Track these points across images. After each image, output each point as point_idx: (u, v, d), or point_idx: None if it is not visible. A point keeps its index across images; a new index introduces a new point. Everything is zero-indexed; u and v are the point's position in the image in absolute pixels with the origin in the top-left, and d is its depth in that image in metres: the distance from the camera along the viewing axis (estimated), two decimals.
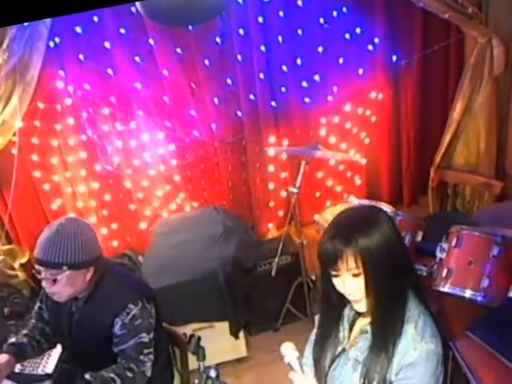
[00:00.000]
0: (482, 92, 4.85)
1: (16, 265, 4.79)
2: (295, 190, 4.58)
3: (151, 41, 4.72)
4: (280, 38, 4.92)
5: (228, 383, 2.65)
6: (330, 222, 2.31)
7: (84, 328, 3.10)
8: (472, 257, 3.61)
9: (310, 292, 5.00)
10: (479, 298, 3.53)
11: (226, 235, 4.85)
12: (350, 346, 2.39)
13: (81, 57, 4.69)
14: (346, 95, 5.26)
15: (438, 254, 3.82)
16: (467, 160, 5.15)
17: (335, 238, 2.17)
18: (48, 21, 4.24)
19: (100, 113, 4.89)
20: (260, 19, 4.83)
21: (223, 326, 4.63)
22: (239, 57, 4.90)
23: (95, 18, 4.61)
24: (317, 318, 2.63)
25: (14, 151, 4.59)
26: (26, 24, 4.13)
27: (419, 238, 4.12)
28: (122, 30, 4.66)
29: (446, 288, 3.63)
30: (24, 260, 4.83)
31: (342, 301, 2.35)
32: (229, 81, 5.02)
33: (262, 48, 4.91)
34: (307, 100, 5.19)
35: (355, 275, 2.18)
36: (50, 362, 3.49)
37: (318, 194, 5.61)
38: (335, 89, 5.22)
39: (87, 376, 2.94)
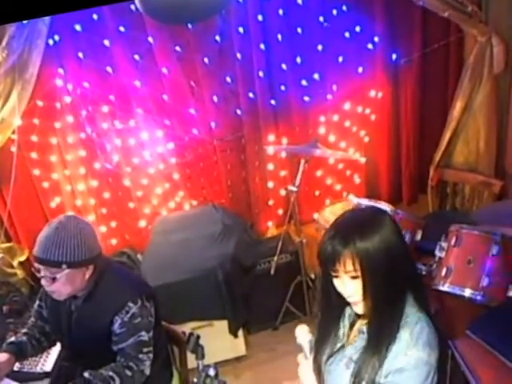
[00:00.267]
0: (482, 91, 4.85)
1: (15, 263, 4.79)
2: (294, 189, 4.58)
3: (150, 39, 4.71)
4: (279, 37, 4.91)
5: (227, 382, 2.64)
6: (332, 222, 2.31)
7: (83, 326, 3.09)
8: (471, 256, 3.60)
9: (309, 291, 5.01)
10: (478, 297, 3.52)
11: (225, 234, 4.84)
12: (348, 344, 2.40)
13: (80, 55, 4.68)
14: (346, 94, 5.25)
15: (438, 253, 3.82)
16: (467, 159, 5.15)
17: (335, 238, 2.17)
18: (47, 19, 4.23)
19: (99, 111, 4.88)
20: (260, 17, 4.82)
21: (222, 325, 4.63)
22: (239, 55, 4.89)
23: (94, 16, 4.60)
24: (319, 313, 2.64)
25: (13, 149, 4.58)
26: (25, 22, 4.12)
27: (418, 236, 4.11)
28: (122, 28, 4.65)
29: (445, 287, 3.63)
30: (23, 258, 4.83)
31: (343, 300, 2.34)
32: (228, 79, 5.01)
33: (262, 46, 4.90)
34: (307, 98, 5.18)
35: (353, 277, 2.18)
36: (48, 360, 3.49)
37: (317, 193, 5.60)
38: (335, 87, 5.21)
39: (86, 374, 2.95)
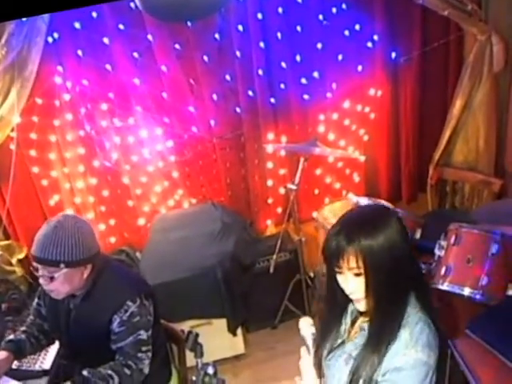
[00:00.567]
0: (482, 89, 4.84)
1: (14, 260, 4.78)
2: (294, 187, 4.58)
3: (150, 37, 4.70)
4: (279, 35, 4.90)
5: (226, 380, 2.64)
6: (338, 219, 2.31)
7: (81, 325, 3.09)
8: (471, 255, 3.60)
9: (308, 289, 5.00)
10: (478, 296, 3.52)
11: (224, 232, 4.84)
12: (349, 340, 2.41)
13: (79, 52, 4.67)
14: (345, 92, 5.24)
15: (437, 252, 3.82)
16: (466, 157, 5.15)
17: (339, 235, 2.18)
18: (46, 16, 4.23)
19: (98, 108, 4.87)
20: (259, 15, 4.81)
21: (221, 323, 4.63)
22: (238, 53, 4.89)
23: (94, 14, 4.59)
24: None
25: (12, 147, 4.57)
26: (24, 19, 4.12)
27: (418, 235, 4.11)
28: (121, 26, 4.64)
29: (444, 286, 3.62)
30: (22, 256, 4.82)
31: (347, 297, 2.35)
32: (227, 77, 5.00)
33: (261, 44, 4.89)
34: (306, 97, 5.17)
35: (357, 274, 2.19)
36: (47, 358, 3.49)
37: (316, 191, 5.59)
38: (334, 85, 5.20)
39: (85, 372, 2.95)
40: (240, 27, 4.82)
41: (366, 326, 2.34)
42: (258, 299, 5.01)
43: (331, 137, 5.35)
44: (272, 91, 5.11)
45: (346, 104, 5.29)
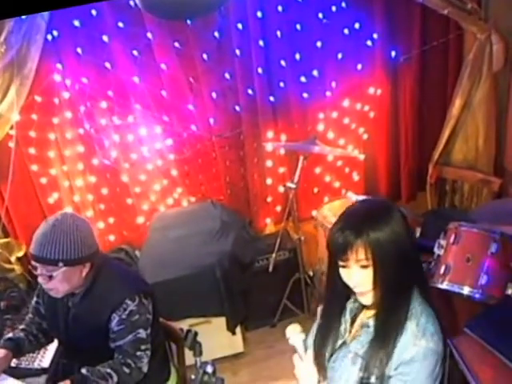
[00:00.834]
0: (481, 88, 4.84)
1: (13, 258, 4.78)
2: (293, 186, 4.58)
3: (149, 35, 4.70)
4: (279, 33, 4.89)
5: (225, 379, 2.64)
6: (342, 213, 2.33)
7: (80, 323, 3.10)
8: (470, 254, 3.60)
9: (307, 288, 5.01)
10: (477, 295, 3.52)
11: (223, 230, 4.84)
12: (352, 339, 2.41)
13: (79, 50, 4.67)
14: (345, 90, 5.24)
15: (436, 251, 3.81)
16: (466, 156, 5.15)
17: (346, 228, 2.19)
18: (46, 14, 4.22)
19: (98, 106, 4.87)
20: (259, 14, 4.81)
21: (220, 322, 4.63)
22: (238, 51, 4.88)
23: (93, 12, 4.58)
24: (319, 309, 2.64)
25: (11, 144, 4.57)
26: (23, 17, 4.11)
27: (417, 234, 4.11)
28: (121, 24, 4.64)
29: (443, 285, 3.62)
30: (21, 254, 4.82)
31: (347, 293, 2.38)
32: (227, 75, 5.00)
33: (261, 43, 4.89)
34: (305, 95, 5.16)
35: (363, 267, 2.20)
36: (46, 356, 3.48)
37: (315, 190, 5.58)
38: (334, 84, 5.19)
39: (84, 371, 2.95)
40: (240, 25, 4.81)
41: (369, 322, 2.34)
42: (257, 298, 5.01)
43: (331, 135, 5.34)
44: (271, 89, 5.10)
45: (346, 102, 5.28)
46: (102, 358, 3.04)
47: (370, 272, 2.20)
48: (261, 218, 5.59)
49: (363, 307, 2.42)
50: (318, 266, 5.01)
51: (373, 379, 2.24)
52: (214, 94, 5.01)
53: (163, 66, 4.82)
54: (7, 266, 4.73)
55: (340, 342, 2.43)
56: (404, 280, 2.25)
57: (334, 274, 2.34)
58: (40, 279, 2.97)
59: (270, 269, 4.71)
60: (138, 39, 4.70)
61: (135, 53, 4.75)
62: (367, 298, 2.29)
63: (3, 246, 4.77)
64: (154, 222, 5.15)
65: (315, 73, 5.09)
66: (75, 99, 4.83)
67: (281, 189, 5.46)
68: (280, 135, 5.26)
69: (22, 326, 3.30)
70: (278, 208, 5.54)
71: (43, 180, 4.96)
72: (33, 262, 2.94)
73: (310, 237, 5.13)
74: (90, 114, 4.89)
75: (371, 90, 5.29)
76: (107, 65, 4.75)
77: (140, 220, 5.36)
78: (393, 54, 5.14)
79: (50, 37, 4.53)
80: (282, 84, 5.08)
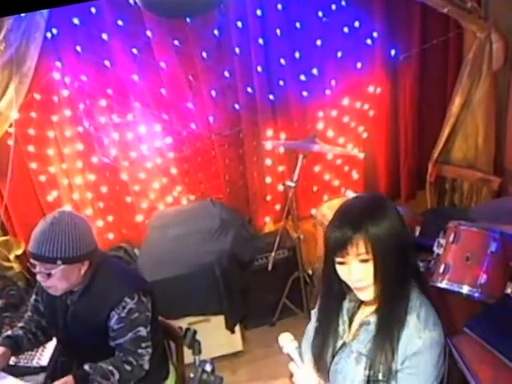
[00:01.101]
0: (481, 87, 4.84)
1: (11, 256, 4.79)
2: (292, 184, 4.57)
3: (149, 33, 4.69)
4: (278, 31, 4.89)
5: (223, 377, 2.64)
6: (338, 209, 2.33)
7: (79, 321, 3.10)
8: (469, 253, 3.60)
9: (306, 287, 5.00)
10: (476, 294, 3.52)
11: (222, 229, 4.84)
12: (352, 339, 2.40)
13: (78, 48, 4.66)
14: (344, 89, 5.23)
15: (436, 250, 3.82)
16: (465, 155, 5.15)
17: (345, 223, 2.19)
18: (45, 12, 4.22)
19: (97, 104, 4.87)
20: (258, 12, 4.80)
21: (219, 320, 4.63)
22: (237, 50, 4.88)
23: (93, 10, 4.58)
24: (313, 312, 2.63)
25: (10, 142, 4.58)
26: (23, 15, 4.11)
27: (417, 233, 4.12)
28: (120, 22, 4.64)
29: (443, 284, 3.62)
30: (19, 252, 4.83)
31: (343, 291, 2.37)
32: (226, 73, 4.99)
33: (260, 41, 4.88)
34: (305, 93, 5.16)
35: (363, 261, 2.19)
36: (44, 354, 3.48)
37: (315, 189, 5.58)
38: (333, 82, 5.19)
39: (86, 367, 2.96)
40: (239, 24, 4.81)
41: (369, 319, 2.33)
42: (257, 296, 5.01)
43: (330, 134, 5.34)
44: (271, 88, 5.10)
45: (345, 101, 5.28)
46: (100, 356, 3.04)
47: (370, 266, 2.19)
48: (260, 217, 5.59)
49: (360, 306, 2.42)
50: (317, 264, 5.02)
51: (380, 376, 2.24)
52: (213, 92, 5.01)
53: (162, 64, 4.82)
54: (6, 263, 4.74)
55: (340, 342, 2.43)
56: (403, 272, 2.25)
57: (330, 274, 2.33)
58: (39, 277, 2.97)
59: (270, 267, 4.70)
60: (138, 37, 4.70)
61: (134, 51, 4.74)
62: (367, 294, 2.27)
63: (2, 244, 4.77)
64: (153, 220, 5.15)
65: (315, 71, 5.09)
66: (74, 97, 4.82)
67: (280, 187, 5.45)
68: (279, 133, 5.26)
69: (20, 324, 3.29)
70: (278, 206, 5.54)
71: (42, 178, 4.96)
72: (31, 260, 2.94)
73: (309, 235, 5.13)
74: (90, 112, 4.89)
75: (371, 89, 5.29)
76: (106, 63, 4.75)
77: (139, 218, 5.36)
78: (392, 52, 5.14)
79: (49, 35, 4.53)
80: (281, 82, 5.08)
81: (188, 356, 3.34)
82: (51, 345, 3.50)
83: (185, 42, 4.79)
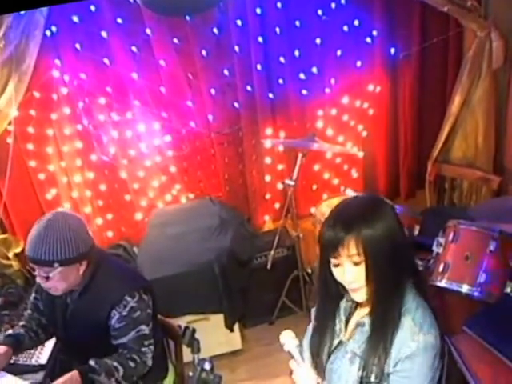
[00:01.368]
0: (481, 86, 4.84)
1: (10, 254, 4.78)
2: (292, 183, 4.57)
3: (148, 31, 4.69)
4: (278, 30, 4.89)
5: (222, 376, 2.63)
6: (334, 209, 2.32)
7: (79, 319, 3.10)
8: (469, 252, 3.60)
9: (305, 285, 5.00)
10: (476, 293, 3.52)
11: (221, 227, 4.84)
12: (348, 338, 2.39)
13: (77, 46, 4.65)
14: (344, 88, 5.23)
15: (435, 249, 3.82)
16: (465, 154, 5.15)
17: (338, 223, 2.17)
18: (45, 9, 4.22)
19: (96, 102, 4.86)
20: (258, 10, 4.80)
21: (218, 319, 4.63)
22: (237, 48, 4.87)
23: (92, 8, 4.58)
24: (313, 310, 2.63)
25: (10, 140, 4.57)
26: (22, 12, 4.10)
27: (416, 232, 4.11)
28: (119, 20, 4.63)
29: (442, 283, 3.63)
30: (18, 250, 4.81)
31: (340, 291, 2.36)
32: (226, 72, 4.99)
33: (260, 39, 4.88)
34: (305, 92, 5.16)
35: (356, 263, 2.18)
36: (43, 352, 3.48)
37: (314, 187, 5.58)
38: (333, 81, 5.19)
39: (92, 362, 2.97)
40: (239, 22, 4.80)
41: (364, 320, 2.32)
42: (256, 295, 5.00)
43: (329, 132, 5.34)
44: (270, 86, 5.10)
45: (345, 100, 5.28)
46: (99, 354, 3.04)
47: (362, 268, 2.18)
48: (259, 215, 5.59)
49: (357, 306, 2.41)
50: (316, 263, 4.99)
51: (372, 378, 2.23)
52: (212, 91, 5.00)
53: (162, 62, 4.82)
54: (5, 261, 4.73)
55: (336, 342, 2.43)
56: (397, 275, 2.23)
57: (325, 274, 2.32)
58: (38, 279, 2.98)
59: (269, 266, 4.70)
60: (137, 35, 4.70)
61: (134, 49, 4.74)
62: (360, 295, 2.27)
63: (1, 242, 4.76)
64: (152, 218, 5.14)
65: (314, 70, 5.08)
66: (73, 95, 4.82)
67: (279, 186, 5.45)
68: (279, 132, 5.26)
69: (21, 323, 3.29)
70: (277, 205, 5.54)
71: (41, 176, 4.96)
72: (30, 264, 2.95)
73: (308, 234, 5.12)
74: (89, 110, 4.89)
75: (370, 87, 5.29)
76: (106, 61, 4.74)
77: (138, 216, 5.35)
78: (392, 51, 5.14)
79: (48, 32, 4.52)
80: (281, 81, 5.08)
81: (187, 354, 3.32)
82: (50, 343, 3.49)
83: (184, 40, 4.79)
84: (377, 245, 2.14)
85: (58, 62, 4.68)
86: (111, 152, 5.05)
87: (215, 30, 4.82)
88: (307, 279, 5.03)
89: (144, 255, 4.80)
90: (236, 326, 4.75)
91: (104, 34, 4.66)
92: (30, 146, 4.81)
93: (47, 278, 2.92)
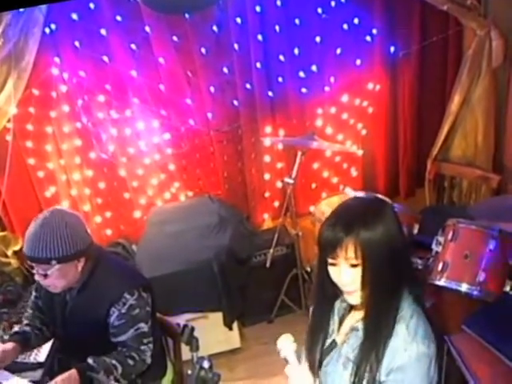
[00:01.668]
0: (480, 84, 4.84)
1: (9, 252, 4.78)
2: (291, 181, 4.57)
3: (147, 28, 4.68)
4: (277, 28, 4.89)
5: (221, 374, 2.62)
6: (335, 209, 2.29)
7: (77, 317, 3.10)
8: (468, 250, 3.60)
9: (304, 284, 5.00)
10: (475, 292, 3.52)
11: (220, 225, 4.83)
12: (342, 342, 2.36)
13: (76, 44, 4.65)
14: (343, 86, 5.23)
15: (434, 248, 3.82)
16: (464, 153, 5.14)
17: (337, 224, 2.14)
18: (44, 7, 4.22)
19: (95, 100, 4.86)
20: (257, 8, 4.80)
21: (217, 317, 4.63)
22: (236, 46, 4.87)
23: (91, 5, 4.57)
24: (311, 309, 2.62)
25: (9, 138, 4.58)
26: (21, 10, 4.10)
27: (415, 230, 4.10)
28: (119, 18, 4.63)
29: (441, 282, 3.62)
30: (17, 247, 4.81)
31: (336, 292, 2.33)
32: (225, 70, 4.98)
33: (259, 37, 4.88)
34: (304, 90, 5.16)
35: (353, 265, 2.15)
36: (42, 350, 3.46)
37: (313, 186, 5.58)
38: (332, 79, 5.19)
39: (90, 361, 2.96)
40: (238, 20, 4.80)
41: (358, 325, 2.29)
42: (255, 293, 5.00)
43: (329, 131, 5.34)
44: (270, 84, 5.10)
45: (344, 98, 5.28)
46: (97, 352, 3.03)
47: (358, 271, 2.15)
48: (258, 213, 5.58)
49: (351, 308, 2.39)
50: (315, 261, 5.00)
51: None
52: (212, 89, 5.00)
53: (161, 59, 4.81)
54: (4, 259, 4.73)
55: (328, 341, 2.41)
56: (393, 281, 2.19)
57: (323, 272, 2.29)
58: (37, 277, 2.98)
59: (268, 264, 4.70)
60: (136, 33, 4.69)
61: (133, 46, 4.74)
62: (355, 298, 2.24)
63: (0, 240, 4.76)
64: (151, 216, 5.14)
65: (314, 68, 5.08)
66: (73, 93, 4.82)
67: (279, 184, 5.45)
68: (278, 130, 5.26)
69: (25, 321, 3.30)
70: (276, 203, 5.53)
71: (40, 174, 4.95)
72: (28, 262, 2.95)
73: (307, 232, 5.11)
74: (88, 107, 4.88)
75: (370, 86, 5.29)
76: (105, 58, 4.74)
77: (137, 214, 5.35)
78: (392, 49, 5.14)
79: (47, 30, 4.52)
80: (280, 79, 5.07)
81: (186, 353, 3.31)
82: (48, 341, 3.50)
83: (183, 37, 4.78)
84: (375, 249, 2.11)
85: (57, 59, 4.68)
86: (110, 150, 5.04)
87: (215, 28, 4.81)
88: (306, 278, 5.02)
89: (143, 253, 4.79)
90: (235, 325, 4.75)
91: (103, 31, 4.66)
92: (29, 144, 4.81)
93: (45, 276, 2.92)
